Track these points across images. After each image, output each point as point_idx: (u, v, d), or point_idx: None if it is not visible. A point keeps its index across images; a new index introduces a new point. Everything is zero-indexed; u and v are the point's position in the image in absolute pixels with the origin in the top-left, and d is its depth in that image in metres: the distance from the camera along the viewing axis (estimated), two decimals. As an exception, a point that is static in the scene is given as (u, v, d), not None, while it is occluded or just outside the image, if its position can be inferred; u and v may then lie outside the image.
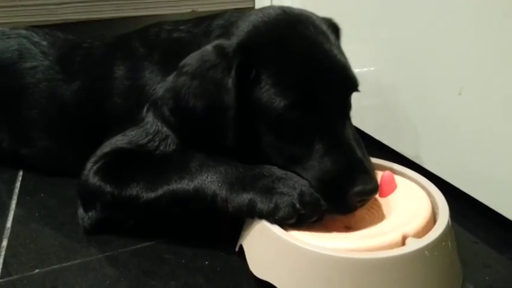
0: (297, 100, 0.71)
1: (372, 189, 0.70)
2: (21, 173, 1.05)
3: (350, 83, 0.75)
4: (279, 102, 0.71)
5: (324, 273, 0.64)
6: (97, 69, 0.93)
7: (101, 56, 0.94)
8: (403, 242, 0.67)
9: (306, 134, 0.73)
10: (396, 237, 0.67)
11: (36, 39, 1.02)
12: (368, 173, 0.71)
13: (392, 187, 0.80)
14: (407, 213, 0.73)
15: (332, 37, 0.77)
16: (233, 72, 0.71)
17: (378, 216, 0.76)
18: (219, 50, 0.74)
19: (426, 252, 0.65)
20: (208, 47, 0.75)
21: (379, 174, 0.81)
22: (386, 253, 0.64)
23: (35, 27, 1.10)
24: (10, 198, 0.96)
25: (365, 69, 1.10)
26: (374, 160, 0.84)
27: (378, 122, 1.12)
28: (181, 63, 0.76)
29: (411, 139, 1.02)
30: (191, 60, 0.75)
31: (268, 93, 0.72)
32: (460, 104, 0.88)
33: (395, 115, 1.06)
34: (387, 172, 0.80)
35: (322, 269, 0.64)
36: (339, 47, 0.77)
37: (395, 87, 1.05)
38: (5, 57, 1.01)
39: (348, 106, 0.77)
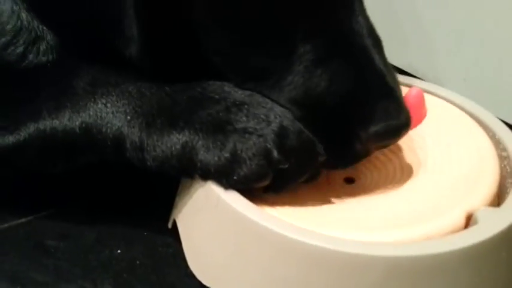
0: None
1: (401, 125, 0.41)
2: None
3: None
4: None
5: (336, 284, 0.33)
6: None
7: None
8: (466, 223, 0.37)
9: (280, 25, 0.40)
10: (457, 216, 0.37)
11: None
12: (394, 98, 0.41)
13: (421, 114, 0.49)
14: (458, 164, 0.43)
15: None
16: None
17: (399, 162, 0.46)
18: None
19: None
20: None
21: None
22: (453, 241, 0.33)
23: None
24: None
25: None
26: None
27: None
28: None
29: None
30: None
31: None
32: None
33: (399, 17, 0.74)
34: (415, 89, 0.48)
35: (331, 277, 0.33)
36: None
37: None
38: None
39: None
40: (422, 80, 0.70)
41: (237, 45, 0.41)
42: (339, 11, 0.41)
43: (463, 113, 0.49)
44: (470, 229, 0.36)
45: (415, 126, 0.49)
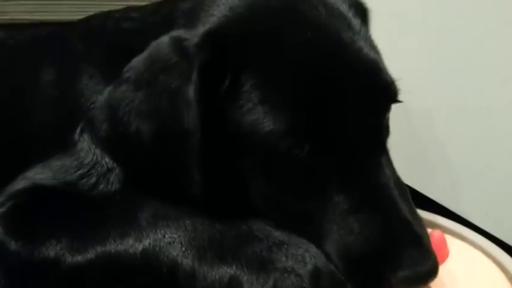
0: (299, 124, 0.47)
1: (429, 272, 0.45)
2: None
3: (384, 92, 0.50)
4: (270, 129, 0.47)
5: None
6: (16, 73, 0.68)
7: (23, 55, 0.69)
8: None
9: (316, 178, 0.47)
10: None
11: None
12: (421, 245, 0.45)
13: (443, 255, 0.54)
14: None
15: (355, 22, 0.52)
16: (195, 77, 0.47)
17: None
18: (177, 44, 0.50)
19: None
20: (162, 41, 0.51)
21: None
22: None
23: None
24: None
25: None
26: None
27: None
28: (126, 67, 0.53)
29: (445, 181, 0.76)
30: (137, 61, 0.52)
31: (253, 114, 0.47)
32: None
33: (424, 147, 0.81)
34: (437, 232, 0.54)
35: None
36: (366, 37, 0.52)
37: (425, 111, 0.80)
38: None
39: (382, 129, 0.51)
40: (447, 209, 0.75)
41: (279, 195, 0.48)
42: (368, 166, 0.47)
43: (484, 256, 0.54)
44: None
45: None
